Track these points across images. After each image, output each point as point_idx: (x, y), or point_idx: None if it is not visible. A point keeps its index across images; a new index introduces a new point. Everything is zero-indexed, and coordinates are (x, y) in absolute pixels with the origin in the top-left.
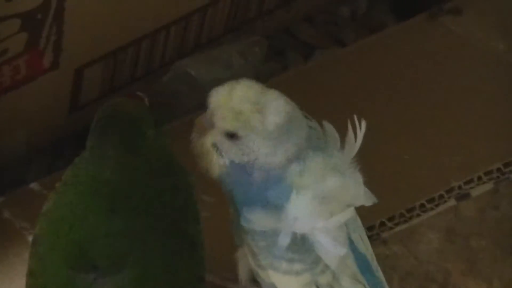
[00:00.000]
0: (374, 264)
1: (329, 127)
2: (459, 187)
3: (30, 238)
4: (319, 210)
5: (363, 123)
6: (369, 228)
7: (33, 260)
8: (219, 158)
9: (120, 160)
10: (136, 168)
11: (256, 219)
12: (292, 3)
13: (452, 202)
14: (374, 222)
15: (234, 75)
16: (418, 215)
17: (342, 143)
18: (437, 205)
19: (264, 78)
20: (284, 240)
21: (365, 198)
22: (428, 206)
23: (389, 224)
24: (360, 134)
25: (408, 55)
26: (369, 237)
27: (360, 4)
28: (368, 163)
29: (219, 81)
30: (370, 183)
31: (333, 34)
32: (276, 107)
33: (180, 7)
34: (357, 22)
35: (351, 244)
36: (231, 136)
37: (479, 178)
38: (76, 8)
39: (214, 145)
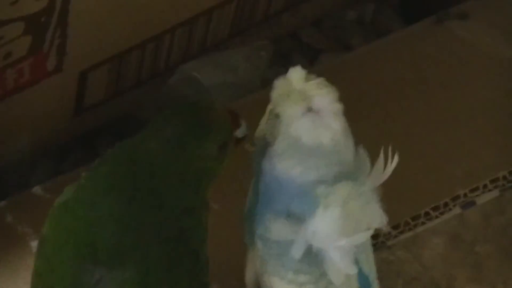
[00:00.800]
0: (375, 285)
1: (363, 153)
2: (465, 195)
3: (33, 243)
4: (341, 229)
5: (396, 156)
6: (373, 236)
7: (40, 260)
8: (264, 123)
9: (152, 160)
10: (159, 174)
11: (276, 230)
12: (298, 7)
13: (457, 210)
14: (379, 230)
15: (239, 79)
16: (423, 223)
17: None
18: (442, 213)
19: (270, 82)
20: (297, 252)
21: (381, 220)
22: (433, 214)
23: (394, 232)
24: (391, 166)
25: (415, 60)
26: (374, 245)
27: (367, 8)
28: None
29: (224, 85)
30: None
31: (340, 38)
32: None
33: (186, 10)
34: (364, 26)
35: (357, 264)
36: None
37: (485, 186)
38: (81, 11)
39: (270, 112)
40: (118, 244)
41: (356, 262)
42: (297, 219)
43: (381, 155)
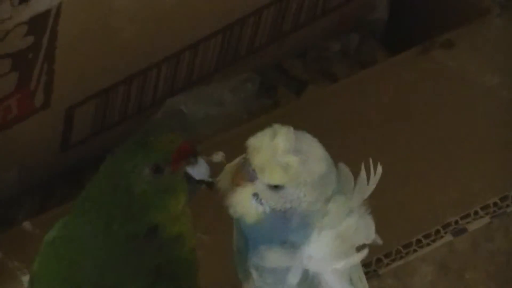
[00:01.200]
0: None
1: (344, 169)
2: (456, 222)
3: (24, 278)
4: (336, 251)
5: (379, 168)
6: (365, 265)
7: None
8: (259, 206)
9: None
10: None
11: (271, 257)
12: (283, 39)
13: (448, 238)
14: (371, 259)
15: (226, 112)
16: (415, 250)
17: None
18: (433, 241)
19: (256, 114)
20: (294, 279)
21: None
22: (425, 241)
23: (386, 261)
24: (375, 178)
25: (401, 90)
26: (366, 274)
27: (351, 39)
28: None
29: (211, 118)
30: None
31: (325, 69)
32: (317, 155)
33: (171, 44)
34: (348, 57)
35: (351, 284)
36: (276, 187)
37: (476, 212)
38: (67, 47)
39: (255, 195)
40: (102, 283)
41: (351, 282)
42: (292, 245)
43: (363, 168)
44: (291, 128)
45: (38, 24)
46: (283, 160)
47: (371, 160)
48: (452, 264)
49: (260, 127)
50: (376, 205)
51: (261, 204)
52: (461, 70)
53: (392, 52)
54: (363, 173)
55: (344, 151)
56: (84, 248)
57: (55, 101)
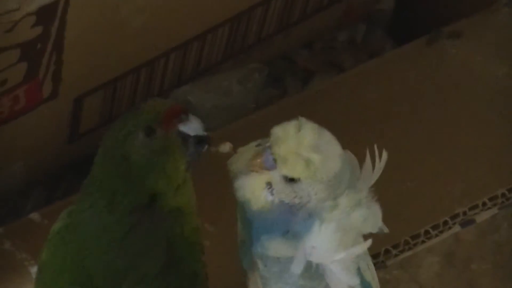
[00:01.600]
0: None
1: (350, 156)
2: (464, 213)
3: (32, 269)
4: (339, 242)
5: (384, 154)
6: (373, 256)
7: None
8: (268, 195)
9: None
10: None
11: (274, 247)
12: (290, 29)
13: (456, 229)
14: (379, 250)
15: (233, 102)
16: (423, 241)
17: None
18: (441, 232)
19: (263, 104)
20: (297, 268)
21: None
22: (433, 232)
23: (394, 252)
24: (380, 165)
25: (408, 80)
26: (374, 265)
27: (358, 29)
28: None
29: (218, 108)
30: None
31: (332, 59)
32: (335, 154)
33: (179, 34)
34: (356, 47)
35: (359, 272)
36: (291, 180)
37: (484, 204)
38: (76, 37)
39: (268, 184)
40: (111, 268)
41: (358, 270)
42: (294, 235)
43: (368, 155)
44: (312, 123)
45: (47, 14)
46: (306, 155)
47: (376, 147)
48: (458, 254)
49: (268, 117)
50: (385, 197)
51: (271, 194)
52: (468, 60)
53: (399, 42)
54: (368, 160)
55: (351, 141)
56: (90, 233)
57: (63, 91)
